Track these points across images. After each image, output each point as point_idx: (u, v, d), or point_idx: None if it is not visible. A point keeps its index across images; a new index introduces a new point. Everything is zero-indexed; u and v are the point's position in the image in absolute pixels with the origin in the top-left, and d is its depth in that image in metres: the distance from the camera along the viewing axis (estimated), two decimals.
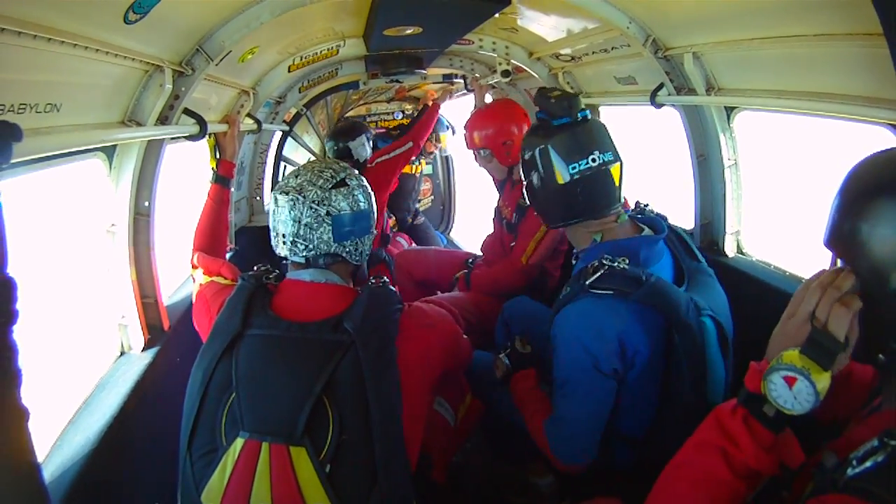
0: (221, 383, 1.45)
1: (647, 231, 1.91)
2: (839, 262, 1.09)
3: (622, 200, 1.91)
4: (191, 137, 2.28)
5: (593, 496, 1.75)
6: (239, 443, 1.39)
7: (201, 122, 2.26)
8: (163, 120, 2.10)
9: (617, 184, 1.87)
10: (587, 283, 1.73)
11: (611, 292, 1.70)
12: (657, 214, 1.97)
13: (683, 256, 1.95)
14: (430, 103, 4.66)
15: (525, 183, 2.00)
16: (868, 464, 0.92)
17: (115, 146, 2.05)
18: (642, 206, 2.03)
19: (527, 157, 1.94)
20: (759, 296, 2.33)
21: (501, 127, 3.19)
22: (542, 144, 1.87)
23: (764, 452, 1.08)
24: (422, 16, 2.68)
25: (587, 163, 1.82)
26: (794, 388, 1.04)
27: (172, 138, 2.23)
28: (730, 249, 2.79)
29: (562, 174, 1.84)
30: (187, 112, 2.22)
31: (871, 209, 1.01)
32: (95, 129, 1.77)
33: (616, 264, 1.71)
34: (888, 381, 1.09)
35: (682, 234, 2.02)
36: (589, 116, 1.91)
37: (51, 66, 1.44)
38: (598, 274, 1.72)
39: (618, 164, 1.87)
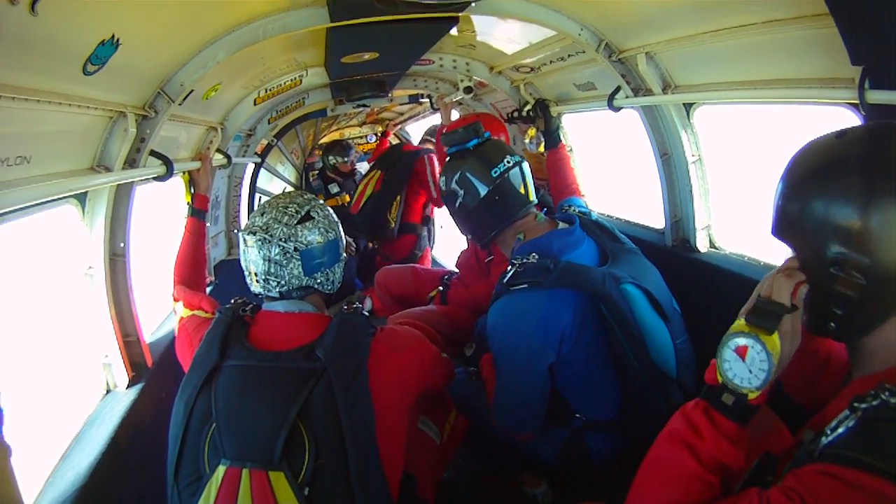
0: (202, 414, 1.50)
1: (562, 225, 2.13)
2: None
3: (535, 199, 2.17)
4: (158, 178, 2.36)
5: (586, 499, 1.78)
6: (221, 470, 1.44)
7: (167, 163, 2.33)
8: (131, 163, 2.16)
9: (526, 182, 2.17)
10: (504, 281, 1.96)
11: (525, 285, 1.90)
12: (583, 208, 2.30)
13: (606, 241, 2.15)
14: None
15: (453, 210, 2.25)
16: (840, 430, 0.96)
17: (86, 192, 2.10)
18: (565, 207, 2.33)
19: (450, 186, 2.19)
20: (735, 289, 2.27)
21: None
22: (461, 168, 2.14)
23: (728, 443, 1.10)
24: (375, 42, 2.75)
25: (504, 164, 2.13)
26: (747, 359, 1.08)
27: (141, 180, 2.29)
28: (702, 245, 2.81)
29: (484, 183, 2.10)
30: (154, 154, 2.28)
31: (801, 192, 1.10)
32: (65, 177, 1.82)
33: (526, 260, 1.94)
34: (852, 350, 1.15)
35: (603, 223, 2.26)
36: (490, 137, 2.27)
37: (17, 119, 1.50)
38: (511, 272, 1.94)
39: (524, 162, 2.18)
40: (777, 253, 1.26)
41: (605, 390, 2.02)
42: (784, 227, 1.15)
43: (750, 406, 1.10)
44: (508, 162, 2.13)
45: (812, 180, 1.10)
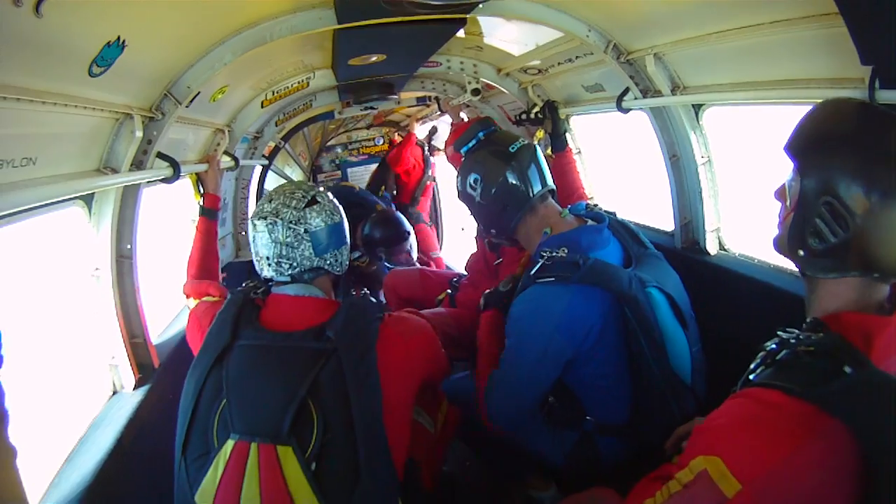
0: (213, 391, 1.54)
1: (590, 223, 2.11)
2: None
3: (551, 184, 2.17)
4: (165, 180, 2.37)
5: None
6: (230, 444, 1.46)
7: (174, 165, 2.34)
8: (138, 164, 2.18)
9: (540, 164, 2.17)
10: (532, 273, 1.94)
11: (552, 279, 1.88)
12: (602, 210, 2.24)
13: (630, 243, 2.13)
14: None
15: (473, 204, 2.24)
16: (753, 366, 1.13)
17: (93, 194, 2.11)
18: (591, 205, 2.30)
19: (468, 180, 2.21)
20: (744, 291, 2.37)
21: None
22: (477, 157, 2.20)
23: None
24: (383, 44, 2.75)
25: (520, 142, 2.17)
26: None
27: (148, 182, 2.30)
28: (711, 247, 2.77)
29: (504, 161, 2.13)
30: (161, 156, 2.29)
31: (840, 153, 1.11)
32: (71, 179, 1.83)
33: (555, 254, 1.91)
34: (809, 284, 1.23)
35: (628, 225, 2.22)
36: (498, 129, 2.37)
37: (21, 121, 1.50)
38: (540, 265, 1.92)
39: (537, 147, 2.21)
40: (786, 261, 1.28)
41: (618, 393, 2.01)
42: (802, 159, 1.18)
43: None
44: (522, 141, 2.16)
45: (846, 132, 1.13)
